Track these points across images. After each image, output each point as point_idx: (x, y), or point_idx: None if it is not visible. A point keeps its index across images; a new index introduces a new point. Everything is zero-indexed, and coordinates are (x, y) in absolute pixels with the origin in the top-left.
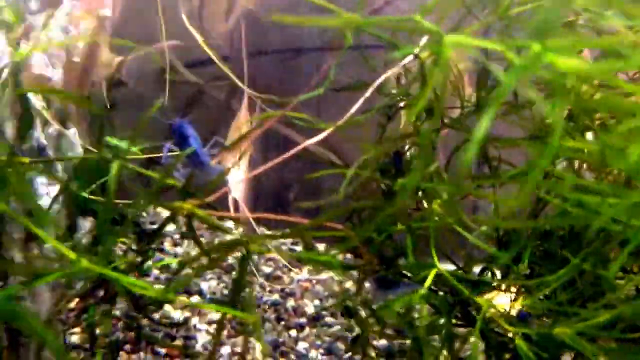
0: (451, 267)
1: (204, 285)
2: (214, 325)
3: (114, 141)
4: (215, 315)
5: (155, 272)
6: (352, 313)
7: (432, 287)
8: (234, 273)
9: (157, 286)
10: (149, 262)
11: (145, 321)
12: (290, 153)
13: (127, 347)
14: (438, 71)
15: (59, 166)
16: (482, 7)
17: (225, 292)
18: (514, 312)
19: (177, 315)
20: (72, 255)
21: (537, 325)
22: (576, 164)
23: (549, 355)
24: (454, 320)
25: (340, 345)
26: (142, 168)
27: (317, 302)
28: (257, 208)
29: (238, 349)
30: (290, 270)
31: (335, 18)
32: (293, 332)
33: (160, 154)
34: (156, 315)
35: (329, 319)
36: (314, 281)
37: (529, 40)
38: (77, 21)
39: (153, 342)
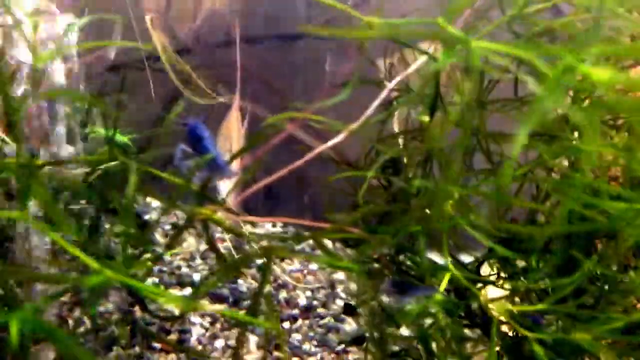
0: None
1: (197, 277)
2: (208, 319)
3: (100, 130)
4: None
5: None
6: (355, 311)
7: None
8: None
9: (151, 279)
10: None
11: (139, 314)
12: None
13: (122, 341)
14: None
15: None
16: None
17: (218, 283)
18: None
19: (172, 307)
20: (95, 265)
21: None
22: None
23: None
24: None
25: (333, 337)
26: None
27: (309, 293)
28: (246, 198)
29: (232, 343)
30: (282, 260)
31: (361, 28)
32: (286, 325)
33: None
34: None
35: (320, 310)
36: (305, 272)
37: (560, 48)
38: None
39: (148, 336)
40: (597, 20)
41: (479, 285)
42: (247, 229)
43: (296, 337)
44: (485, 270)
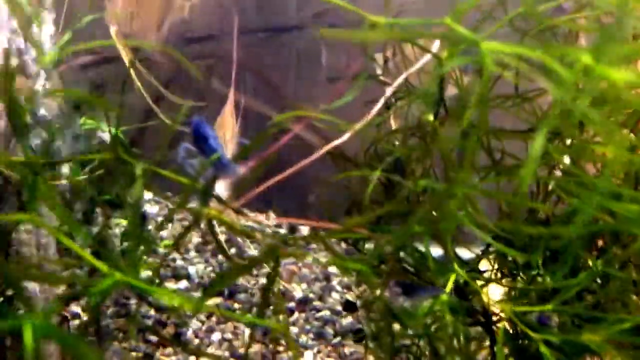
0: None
1: (192, 270)
2: (204, 312)
3: (92, 123)
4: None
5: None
6: (355, 308)
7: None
8: (220, 256)
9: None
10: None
11: (135, 307)
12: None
13: (118, 334)
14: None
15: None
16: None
17: (213, 275)
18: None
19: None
20: (104, 268)
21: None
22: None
23: None
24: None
25: (329, 330)
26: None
27: (304, 285)
28: (240, 189)
29: (228, 335)
30: None
31: (378, 31)
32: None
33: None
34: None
35: (317, 303)
36: (300, 264)
37: (576, 49)
38: None
39: (145, 329)
40: (619, 20)
41: (480, 283)
42: (242, 222)
43: (293, 330)
44: (483, 266)
